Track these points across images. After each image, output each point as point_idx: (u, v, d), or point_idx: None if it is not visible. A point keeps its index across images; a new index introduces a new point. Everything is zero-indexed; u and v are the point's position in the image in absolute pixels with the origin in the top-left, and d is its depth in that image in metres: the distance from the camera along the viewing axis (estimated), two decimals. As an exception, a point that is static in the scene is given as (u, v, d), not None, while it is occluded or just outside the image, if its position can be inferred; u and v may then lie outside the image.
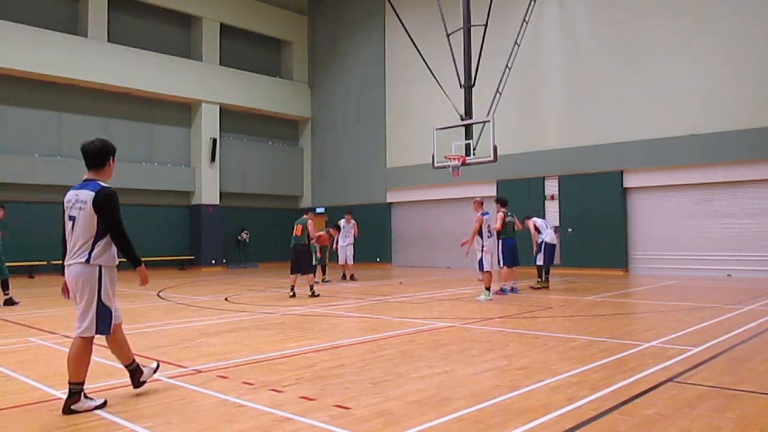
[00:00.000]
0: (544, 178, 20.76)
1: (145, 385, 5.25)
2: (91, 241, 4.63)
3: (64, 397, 4.90)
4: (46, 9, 22.03)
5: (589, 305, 10.88)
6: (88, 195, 4.64)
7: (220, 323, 9.25)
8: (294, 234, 13.06)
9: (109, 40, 22.75)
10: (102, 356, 6.64)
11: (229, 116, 26.40)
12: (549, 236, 14.19)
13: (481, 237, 12.27)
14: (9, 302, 11.83)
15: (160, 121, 24.66)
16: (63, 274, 4.78)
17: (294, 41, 28.77)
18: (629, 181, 19.03)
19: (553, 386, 5.09)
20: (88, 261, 4.62)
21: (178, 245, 24.76)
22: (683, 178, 18.01)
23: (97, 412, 4.50)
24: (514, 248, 13.28)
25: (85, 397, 4.60)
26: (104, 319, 4.71)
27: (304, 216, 13.49)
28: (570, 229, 19.76)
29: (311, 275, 13.15)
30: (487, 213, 12.52)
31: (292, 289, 12.98)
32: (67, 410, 4.48)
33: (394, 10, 20.52)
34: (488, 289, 12.07)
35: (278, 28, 28.18)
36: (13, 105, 20.93)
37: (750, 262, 16.84)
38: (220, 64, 25.94)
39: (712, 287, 14.06)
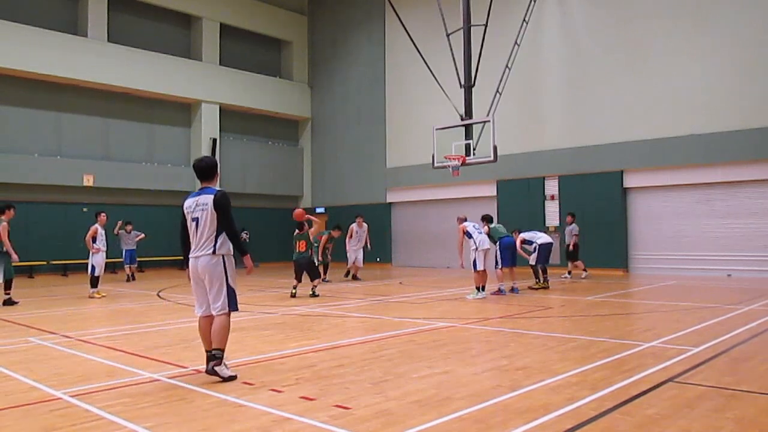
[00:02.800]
0: (544, 178, 20.75)
1: (145, 385, 5.26)
2: (214, 236, 5.60)
3: (64, 396, 4.90)
4: (46, 9, 22.02)
5: (589, 305, 10.88)
6: (207, 198, 5.61)
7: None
8: (298, 249, 13.02)
9: (109, 40, 22.74)
10: (102, 356, 6.65)
11: (229, 116, 26.40)
12: (542, 239, 14.47)
13: (471, 238, 12.45)
14: (8, 302, 11.82)
15: (160, 121, 24.65)
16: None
17: (294, 41, 28.77)
18: (629, 181, 19.02)
19: (553, 386, 5.09)
20: (214, 252, 5.59)
21: (177, 245, 24.69)
22: (683, 178, 18.01)
23: (98, 412, 4.50)
24: (513, 248, 13.33)
25: (224, 364, 5.48)
26: (233, 298, 5.68)
27: (302, 232, 13.09)
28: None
29: (318, 279, 13.32)
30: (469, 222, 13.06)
31: (294, 288, 13.04)
32: (211, 370, 5.43)
33: (394, 10, 20.51)
34: (479, 288, 12.20)
35: (278, 28, 28.17)
36: (13, 105, 20.91)
37: (750, 262, 16.84)
38: (220, 64, 25.93)
39: (712, 287, 14.06)
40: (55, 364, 6.38)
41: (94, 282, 13.19)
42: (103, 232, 13.44)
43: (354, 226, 17.78)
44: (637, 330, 8.27)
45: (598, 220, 19.07)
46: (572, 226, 17.26)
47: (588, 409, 4.43)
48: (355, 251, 17.64)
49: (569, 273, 17.37)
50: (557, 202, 20.33)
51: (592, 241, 18.88)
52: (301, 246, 13.04)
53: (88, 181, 21.89)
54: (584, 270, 17.28)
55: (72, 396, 4.94)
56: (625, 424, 4.09)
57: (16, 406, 4.74)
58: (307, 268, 13.05)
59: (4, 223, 11.76)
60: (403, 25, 19.92)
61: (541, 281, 14.15)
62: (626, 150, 18.82)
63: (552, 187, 20.60)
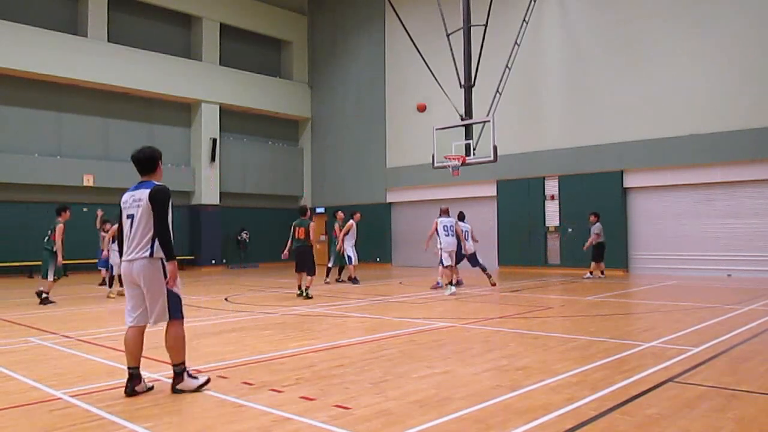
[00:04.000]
0: (544, 178, 20.75)
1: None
2: (151, 236, 5.03)
3: (64, 396, 4.91)
4: (46, 9, 22.02)
5: (589, 305, 10.88)
6: (143, 193, 5.12)
7: (220, 323, 9.25)
8: (297, 236, 12.84)
9: (109, 40, 22.74)
10: (102, 356, 6.65)
11: (229, 116, 26.40)
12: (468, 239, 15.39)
13: (438, 236, 13.84)
14: (45, 301, 12.00)
15: (160, 121, 24.65)
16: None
17: (294, 41, 28.76)
18: (629, 181, 19.03)
19: (553, 386, 5.09)
20: (151, 255, 5.00)
21: (177, 245, 24.59)
22: (683, 178, 18.01)
23: (98, 412, 4.49)
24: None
25: (189, 375, 5.05)
26: (178, 304, 5.14)
27: (304, 218, 13.12)
28: (570, 229, 19.76)
29: (312, 278, 12.73)
30: (448, 218, 14.19)
31: (299, 289, 12.81)
32: (176, 390, 4.98)
33: (394, 10, 20.51)
34: (450, 283, 13.35)
35: (278, 28, 28.17)
36: (13, 105, 20.91)
37: (750, 262, 16.84)
38: (220, 64, 25.93)
39: (712, 287, 14.06)
40: (55, 364, 6.38)
41: (112, 282, 13.32)
42: None
43: (352, 221, 16.63)
44: (637, 330, 8.27)
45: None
46: (596, 225, 17.02)
47: (588, 409, 4.43)
48: (352, 249, 16.57)
49: (591, 273, 17.15)
50: (557, 202, 20.33)
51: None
52: (300, 233, 12.68)
53: (88, 181, 21.89)
54: (601, 273, 17.15)
55: (72, 396, 4.94)
56: (625, 424, 4.09)
57: (16, 406, 4.74)
58: (308, 258, 12.64)
59: (61, 225, 11.96)
60: (403, 25, 19.91)
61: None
62: (626, 150, 18.82)
63: (552, 187, 20.60)
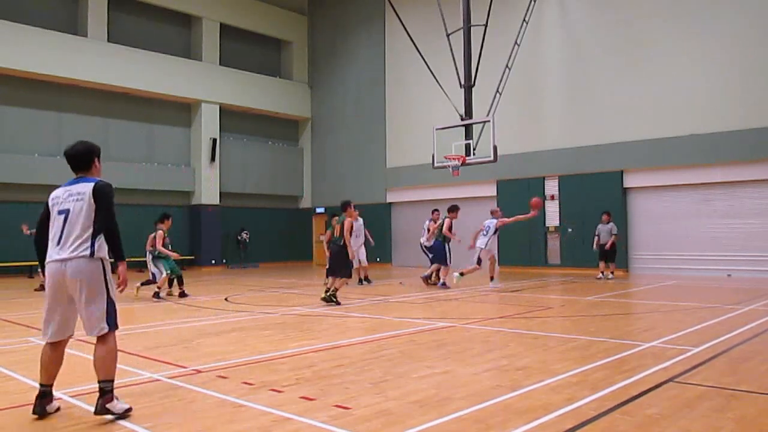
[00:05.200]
0: (544, 178, 20.75)
1: (145, 385, 5.26)
2: (91, 233, 4.47)
3: (64, 396, 4.90)
4: (46, 9, 22.01)
5: (589, 305, 10.88)
6: (85, 187, 4.55)
7: (220, 323, 9.25)
8: (334, 234, 11.85)
9: (108, 40, 22.73)
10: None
11: (229, 116, 26.39)
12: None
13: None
14: (183, 294, 12.94)
15: (160, 121, 24.64)
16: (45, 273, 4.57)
17: (294, 41, 28.76)
18: (629, 181, 19.03)
19: (553, 386, 5.09)
20: (92, 254, 4.44)
21: (177, 245, 24.66)
22: (683, 178, 18.01)
23: (97, 412, 4.48)
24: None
25: (116, 397, 4.42)
26: (113, 313, 4.56)
27: (344, 213, 12.01)
28: (570, 229, 19.77)
29: (343, 279, 11.49)
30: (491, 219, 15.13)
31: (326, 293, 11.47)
32: (101, 410, 4.31)
33: (394, 10, 20.51)
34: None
35: (278, 28, 28.16)
36: (13, 105, 20.90)
37: (750, 262, 16.84)
38: (220, 64, 25.92)
39: (712, 287, 14.06)
40: (55, 364, 6.37)
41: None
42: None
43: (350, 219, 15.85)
44: (637, 330, 8.27)
45: (598, 220, 19.03)
46: (609, 224, 16.57)
47: (588, 409, 4.43)
48: (357, 249, 15.29)
49: (611, 273, 16.70)
50: (557, 202, 20.32)
51: (591, 241, 18.86)
52: (337, 230, 11.66)
53: (88, 181, 21.86)
54: (611, 273, 16.69)
55: (72, 396, 4.94)
56: (626, 424, 4.09)
57: (15, 406, 4.74)
58: (341, 259, 11.44)
59: (160, 231, 12.37)
60: (403, 25, 19.91)
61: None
62: (626, 150, 18.82)
63: (552, 187, 20.60)
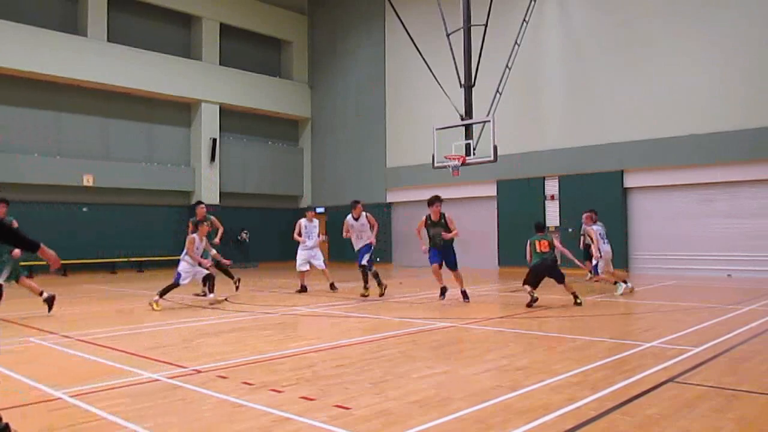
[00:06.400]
0: (544, 178, 20.75)
1: (145, 385, 5.26)
2: None
3: (64, 396, 4.90)
4: (46, 8, 22.01)
5: (589, 305, 10.87)
6: None
7: (220, 323, 9.25)
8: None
9: (108, 40, 22.74)
10: (102, 356, 6.64)
11: (229, 116, 26.40)
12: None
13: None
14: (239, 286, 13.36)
15: (159, 120, 24.65)
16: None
17: (294, 41, 28.77)
18: (629, 181, 19.03)
19: (553, 386, 5.08)
20: None
21: (178, 245, 24.67)
22: (683, 178, 18.01)
23: (97, 412, 4.48)
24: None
25: None
26: None
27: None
28: (570, 230, 19.74)
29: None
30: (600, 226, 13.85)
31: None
32: None
33: (394, 10, 20.51)
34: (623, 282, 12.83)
35: (278, 28, 28.17)
36: (13, 105, 20.89)
37: (750, 262, 16.84)
38: (220, 63, 25.94)
39: (712, 287, 14.05)
40: (55, 364, 6.38)
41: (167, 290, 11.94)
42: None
43: (303, 220, 14.15)
44: (637, 330, 8.27)
45: (599, 220, 19.03)
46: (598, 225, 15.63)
47: (588, 409, 4.42)
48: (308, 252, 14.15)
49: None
50: (557, 202, 20.32)
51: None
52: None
53: (88, 181, 21.89)
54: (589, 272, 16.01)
55: (72, 396, 4.93)
56: (626, 424, 4.09)
57: (15, 406, 4.73)
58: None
59: (191, 237, 11.56)
60: (404, 25, 19.91)
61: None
62: (626, 150, 18.83)
63: (552, 187, 20.60)
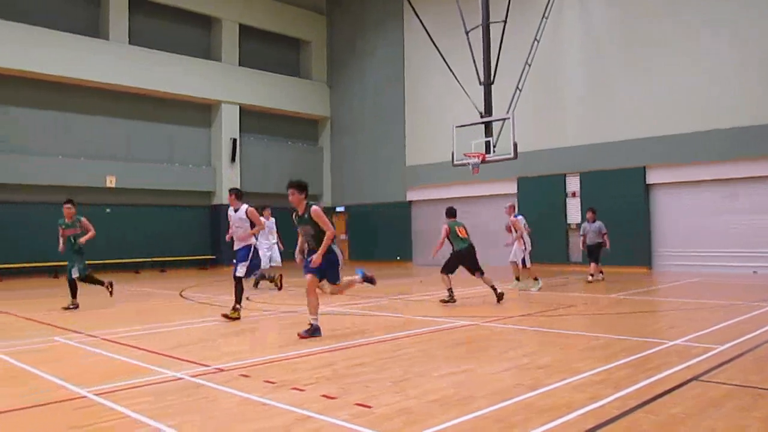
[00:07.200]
0: (565, 175, 20.60)
1: (168, 383, 5.32)
2: None
3: (89, 395, 4.97)
4: (69, 13, 22.29)
5: (611, 303, 10.78)
6: None
7: (242, 322, 9.31)
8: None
9: (130, 43, 23.00)
10: (126, 355, 6.73)
11: (249, 116, 26.56)
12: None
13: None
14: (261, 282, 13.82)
15: (180, 121, 24.87)
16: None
17: (313, 41, 28.86)
18: (652, 177, 18.81)
19: (575, 385, 5.05)
20: None
21: (199, 245, 24.96)
22: (707, 174, 17.77)
23: (122, 410, 4.54)
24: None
25: None
26: None
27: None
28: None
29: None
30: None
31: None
32: None
33: (413, 8, 20.49)
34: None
35: (297, 28, 28.28)
36: (36, 108, 21.13)
37: (776, 258, 16.56)
38: (240, 64, 26.10)
39: (737, 284, 13.85)
40: (80, 363, 6.47)
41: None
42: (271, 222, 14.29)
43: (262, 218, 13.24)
44: (660, 328, 8.18)
45: (620, 217, 18.88)
46: (597, 223, 15.31)
47: (611, 408, 4.39)
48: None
49: (600, 273, 15.49)
50: (578, 199, 20.16)
51: (615, 238, 18.67)
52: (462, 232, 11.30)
53: (110, 182, 22.17)
54: (600, 272, 15.61)
55: (96, 394, 5.00)
56: (649, 423, 4.05)
57: (42, 404, 4.81)
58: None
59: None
60: (422, 23, 19.89)
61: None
62: (648, 146, 18.62)
63: (573, 184, 20.44)
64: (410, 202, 25.54)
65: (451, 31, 21.09)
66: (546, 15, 19.82)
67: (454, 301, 10.94)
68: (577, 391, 4.86)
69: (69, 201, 11.57)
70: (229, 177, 25.24)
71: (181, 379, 5.50)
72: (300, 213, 8.24)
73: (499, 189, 22.22)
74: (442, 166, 21.81)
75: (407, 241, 25.31)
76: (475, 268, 11.13)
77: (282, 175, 27.40)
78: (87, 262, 11.60)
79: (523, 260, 13.41)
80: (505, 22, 18.40)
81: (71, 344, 7.57)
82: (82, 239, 11.27)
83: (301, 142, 28.83)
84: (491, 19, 18.37)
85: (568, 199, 20.52)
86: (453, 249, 11.22)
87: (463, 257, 11.12)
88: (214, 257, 24.84)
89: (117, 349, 7.15)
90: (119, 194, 22.70)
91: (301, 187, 8.28)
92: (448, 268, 11.20)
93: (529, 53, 19.19)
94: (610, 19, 19.63)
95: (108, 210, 21.84)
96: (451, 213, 11.52)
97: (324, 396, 4.83)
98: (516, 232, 13.45)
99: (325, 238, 7.82)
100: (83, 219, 11.46)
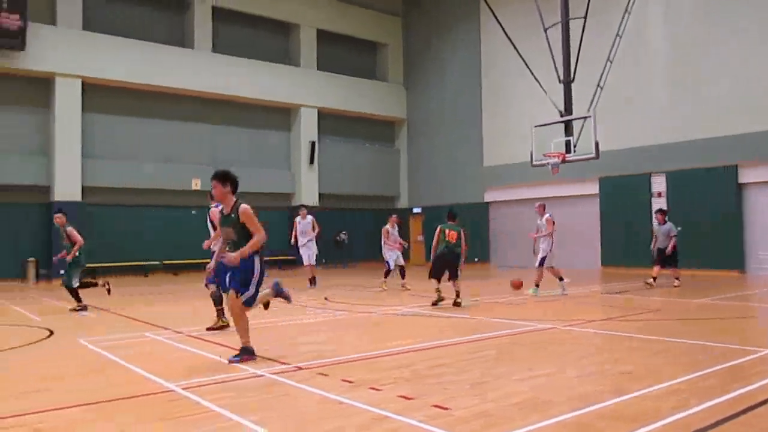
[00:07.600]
0: (650, 174, 19.84)
1: (250, 380, 5.48)
2: None
3: (177, 389, 5.18)
4: (156, 24, 23.34)
5: (698, 308, 10.30)
6: None
7: (320, 321, 9.48)
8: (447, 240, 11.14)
9: (213, 51, 23.86)
10: (210, 351, 6.97)
11: (327, 119, 26.99)
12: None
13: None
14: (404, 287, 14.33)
15: (261, 126, 25.56)
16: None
17: (389, 43, 29.03)
18: (745, 176, 17.84)
19: (660, 393, 4.85)
20: None
21: (279, 245, 25.53)
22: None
23: (206, 404, 4.71)
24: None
25: None
26: None
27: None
28: (679, 228, 18.74)
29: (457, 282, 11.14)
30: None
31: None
32: None
33: (490, 8, 20.23)
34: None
35: (373, 31, 28.52)
36: (125, 115, 22.11)
37: None
38: (318, 68, 26.58)
39: (842, 290, 12.95)
40: (168, 358, 6.76)
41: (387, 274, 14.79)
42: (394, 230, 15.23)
43: (297, 218, 16.12)
44: (754, 335, 7.75)
45: (710, 218, 18.01)
46: (667, 225, 14.60)
47: (698, 418, 4.19)
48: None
49: (676, 279, 14.35)
50: (665, 199, 19.37)
51: (704, 241, 17.85)
52: (452, 236, 11.07)
53: (196, 185, 23.03)
54: (676, 279, 14.38)
55: (183, 388, 5.21)
56: (742, 434, 3.85)
57: (135, 396, 5.06)
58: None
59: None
60: (499, 23, 19.60)
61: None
62: (741, 143, 17.66)
63: (659, 184, 19.65)
64: (488, 203, 25.27)
65: (528, 29, 20.72)
66: (629, 9, 19.13)
67: (443, 299, 10.90)
68: (662, 399, 4.67)
69: (59, 210, 11.16)
70: (308, 179, 25.74)
71: (262, 377, 5.65)
72: (226, 211, 6.57)
73: (580, 189, 21.65)
74: (521, 166, 21.43)
75: (485, 242, 25.05)
76: (452, 275, 10.98)
77: (359, 177, 27.79)
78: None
79: (542, 260, 12.91)
80: (585, 17, 17.89)
81: (160, 340, 7.91)
82: (69, 256, 10.81)
83: (377, 143, 29.06)
84: (571, 16, 17.91)
85: (653, 200, 19.74)
86: (436, 250, 11.09)
87: (444, 260, 10.97)
88: (293, 258, 25.32)
89: (202, 345, 7.42)
90: (204, 197, 23.51)
91: (225, 178, 6.62)
92: (433, 274, 11.09)
93: (611, 49, 18.57)
94: (697, 11, 18.76)
95: (194, 212, 22.66)
96: (449, 216, 11.48)
97: (401, 396, 4.85)
98: (545, 230, 12.97)
99: (253, 241, 6.27)
100: (69, 228, 10.92)
